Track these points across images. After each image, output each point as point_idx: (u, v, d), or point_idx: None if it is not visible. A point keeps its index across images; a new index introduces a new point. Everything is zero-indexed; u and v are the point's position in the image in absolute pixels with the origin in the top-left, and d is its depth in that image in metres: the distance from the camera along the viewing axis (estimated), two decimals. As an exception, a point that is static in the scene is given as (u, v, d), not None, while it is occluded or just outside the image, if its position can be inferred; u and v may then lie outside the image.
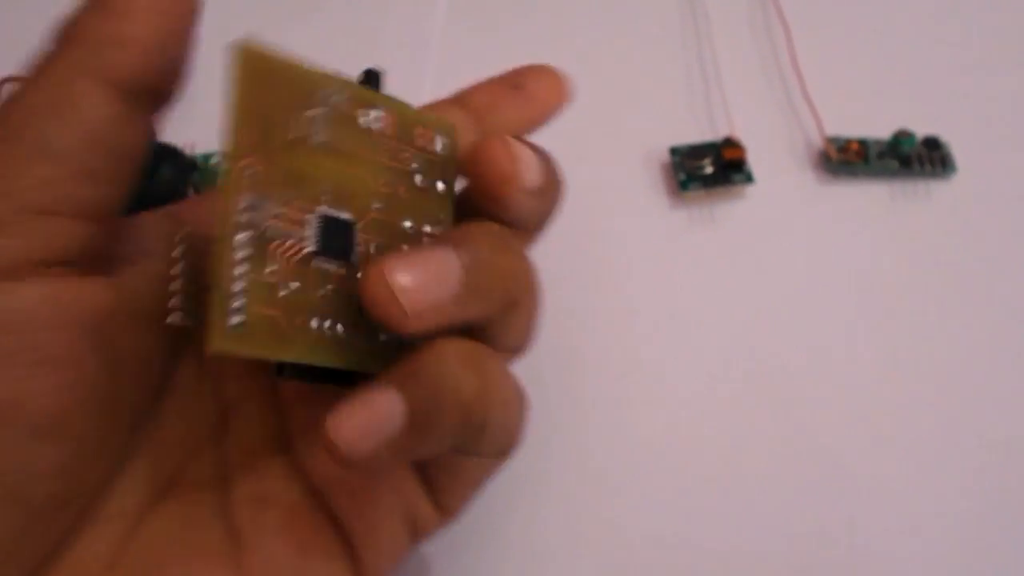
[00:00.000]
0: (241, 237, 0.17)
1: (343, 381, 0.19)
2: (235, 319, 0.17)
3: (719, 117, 0.34)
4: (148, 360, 0.18)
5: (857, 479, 0.26)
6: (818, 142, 0.33)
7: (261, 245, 0.17)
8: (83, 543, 0.17)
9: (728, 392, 0.28)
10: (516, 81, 0.22)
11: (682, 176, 0.32)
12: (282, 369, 0.19)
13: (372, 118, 0.20)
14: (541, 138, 0.32)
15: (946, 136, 0.33)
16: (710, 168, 0.32)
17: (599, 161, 0.32)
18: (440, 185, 0.21)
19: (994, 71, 0.35)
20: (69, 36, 0.16)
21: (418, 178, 0.20)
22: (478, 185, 0.19)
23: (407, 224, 0.20)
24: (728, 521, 0.26)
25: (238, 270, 0.17)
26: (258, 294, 0.17)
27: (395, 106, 0.20)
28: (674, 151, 0.32)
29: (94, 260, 0.17)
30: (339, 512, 0.19)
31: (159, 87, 0.16)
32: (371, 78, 0.20)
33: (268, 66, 0.18)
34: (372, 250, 0.19)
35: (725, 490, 0.26)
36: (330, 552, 0.19)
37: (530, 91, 0.22)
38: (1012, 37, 0.36)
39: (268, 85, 0.18)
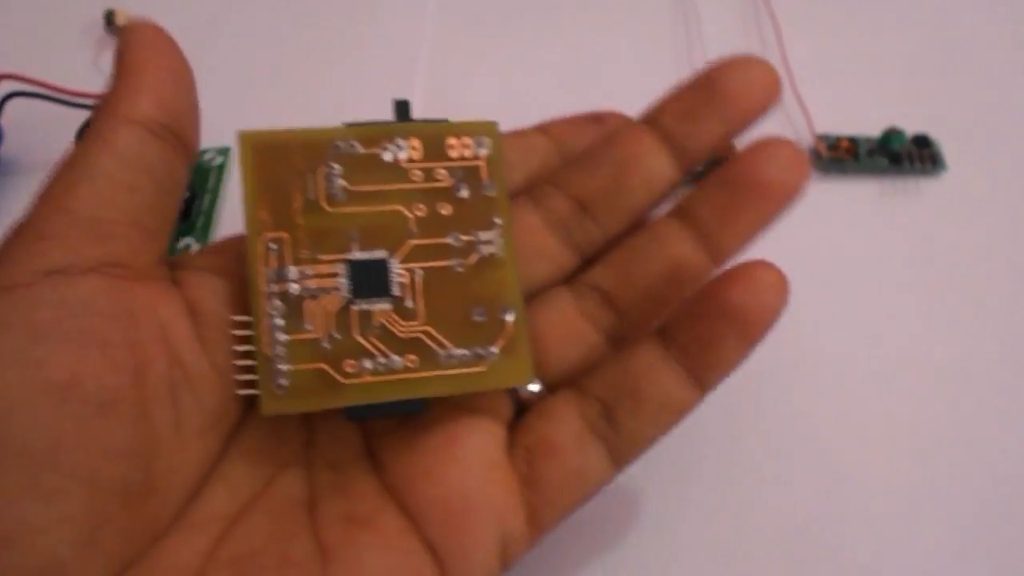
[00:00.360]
0: (272, 306, 0.19)
1: (413, 409, 0.19)
2: (281, 380, 0.19)
3: None
4: (224, 369, 0.19)
5: (856, 479, 0.26)
6: (808, 139, 0.33)
7: (296, 307, 0.19)
8: (172, 548, 0.18)
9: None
10: (596, 116, 0.24)
11: (672, 174, 0.32)
12: (350, 412, 0.19)
13: (395, 149, 0.20)
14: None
15: (936, 134, 0.33)
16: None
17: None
18: (489, 187, 0.21)
19: (984, 70, 0.36)
20: (104, 96, 0.19)
21: (462, 189, 0.21)
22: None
23: (452, 239, 0.20)
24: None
25: (275, 336, 0.19)
26: (299, 353, 0.19)
27: (418, 128, 0.21)
28: (662, 146, 0.32)
29: (155, 267, 0.19)
30: (432, 536, 0.19)
31: (174, 123, 0.19)
32: (400, 108, 0.21)
33: (270, 144, 0.20)
34: (418, 277, 0.20)
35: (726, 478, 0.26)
36: None
37: (608, 125, 0.24)
38: (1002, 36, 0.37)
39: (274, 161, 0.20)
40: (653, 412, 0.20)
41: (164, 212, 0.19)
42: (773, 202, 0.21)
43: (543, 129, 0.24)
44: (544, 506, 0.20)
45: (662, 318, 0.21)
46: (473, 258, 0.20)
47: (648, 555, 0.25)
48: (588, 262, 0.23)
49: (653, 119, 0.22)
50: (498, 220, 0.21)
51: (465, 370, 0.20)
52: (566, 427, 0.20)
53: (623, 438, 0.20)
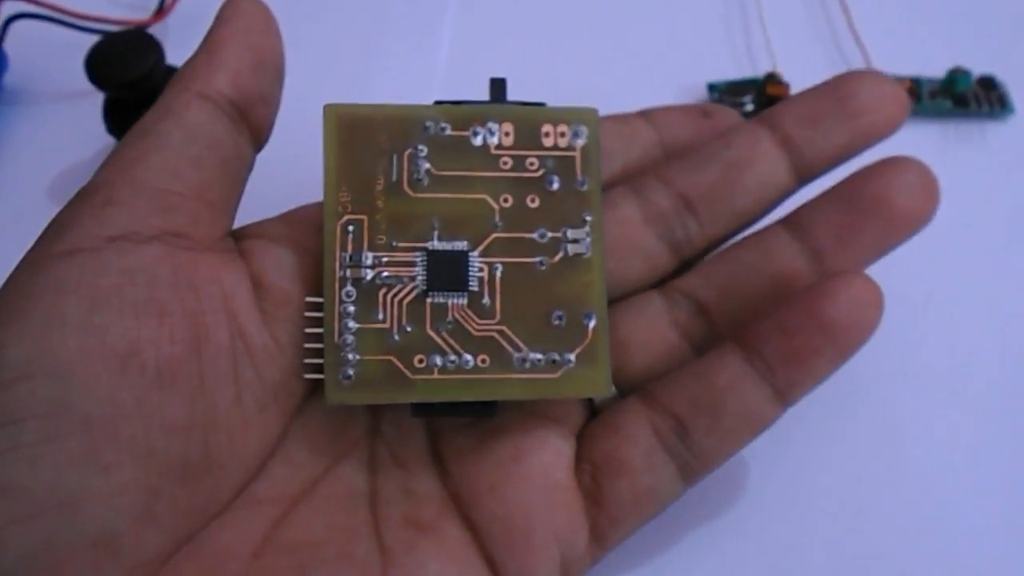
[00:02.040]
0: (345, 292, 0.18)
1: (482, 412, 0.19)
2: (348, 370, 0.18)
3: (760, 52, 0.31)
4: (286, 344, 0.19)
5: (917, 438, 0.25)
6: (867, 80, 0.32)
7: (369, 295, 0.18)
8: (231, 526, 0.18)
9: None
10: (705, 110, 0.23)
11: (720, 114, 0.31)
12: (417, 408, 0.19)
13: (486, 133, 0.19)
14: (570, 75, 0.30)
15: (1003, 75, 0.31)
16: (751, 106, 0.30)
17: (633, 97, 0.30)
18: (583, 181, 0.19)
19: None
20: (182, 69, 0.19)
21: (553, 180, 0.19)
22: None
23: (538, 234, 0.19)
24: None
25: (346, 323, 0.18)
26: (369, 343, 0.18)
27: (511, 112, 0.19)
28: (712, 87, 0.30)
29: (218, 240, 0.19)
30: (493, 553, 0.19)
31: (246, 104, 0.19)
32: (496, 87, 0.20)
33: (355, 119, 0.19)
34: (498, 272, 0.19)
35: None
36: None
37: (719, 123, 0.23)
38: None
39: (360, 139, 0.19)
40: (731, 429, 0.19)
41: (229, 189, 0.19)
42: (897, 230, 0.20)
43: (646, 115, 0.23)
44: (609, 524, 0.19)
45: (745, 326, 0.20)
46: (558, 257, 0.19)
47: (701, 515, 0.24)
48: (683, 265, 0.22)
49: (773, 121, 0.21)
50: (589, 217, 0.19)
51: (538, 375, 0.19)
52: (636, 444, 0.19)
53: (696, 455, 0.19)
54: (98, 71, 0.25)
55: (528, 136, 0.19)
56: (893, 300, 0.27)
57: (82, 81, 0.26)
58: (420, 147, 0.19)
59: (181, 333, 0.17)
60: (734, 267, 0.21)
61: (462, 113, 0.19)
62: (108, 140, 0.28)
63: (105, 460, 0.16)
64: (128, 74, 0.25)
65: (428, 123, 0.19)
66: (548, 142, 0.19)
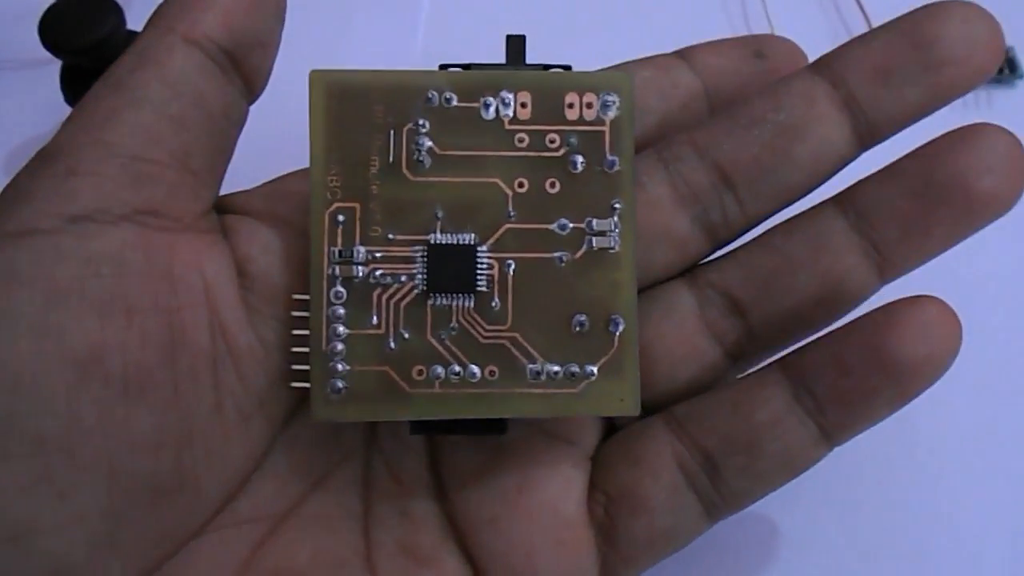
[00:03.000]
0: (334, 292, 0.16)
1: (490, 430, 0.17)
2: (337, 383, 0.16)
3: (755, 13, 0.30)
4: (272, 344, 0.17)
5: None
6: (868, 45, 0.31)
7: (363, 295, 0.16)
8: (206, 552, 0.16)
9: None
10: (758, 49, 0.19)
11: (715, 79, 0.30)
12: (416, 426, 0.17)
13: (499, 104, 0.17)
14: (560, 44, 0.29)
15: (1012, 40, 0.30)
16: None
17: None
18: (612, 161, 0.17)
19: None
20: (163, 4, 0.16)
21: (577, 160, 0.17)
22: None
23: (557, 225, 0.17)
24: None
25: (334, 328, 0.16)
26: (361, 351, 0.16)
27: (530, 80, 0.17)
28: (707, 54, 0.30)
29: (201, 218, 0.16)
30: None
31: (240, 51, 0.16)
32: (513, 46, 0.17)
33: (347, 89, 0.16)
34: (510, 270, 0.16)
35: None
36: None
37: (775, 66, 0.19)
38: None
39: (352, 113, 0.16)
40: (768, 471, 0.17)
41: (215, 154, 0.17)
42: (974, 218, 0.16)
43: (687, 57, 0.19)
44: (621, 563, 0.17)
45: (792, 346, 0.17)
46: (581, 252, 0.17)
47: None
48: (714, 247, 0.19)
49: (833, 73, 0.17)
50: (618, 205, 0.17)
51: (555, 390, 0.16)
52: (658, 480, 0.17)
53: (724, 496, 0.17)
54: (52, 35, 0.24)
55: (549, 108, 0.17)
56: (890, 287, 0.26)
57: (39, 48, 0.24)
58: (421, 122, 0.16)
59: (153, 334, 0.15)
60: (778, 262, 0.18)
61: (471, 80, 0.17)
62: (68, 110, 0.27)
63: (60, 484, 0.14)
64: (84, 39, 0.23)
65: (431, 93, 0.16)
66: (572, 115, 0.17)
